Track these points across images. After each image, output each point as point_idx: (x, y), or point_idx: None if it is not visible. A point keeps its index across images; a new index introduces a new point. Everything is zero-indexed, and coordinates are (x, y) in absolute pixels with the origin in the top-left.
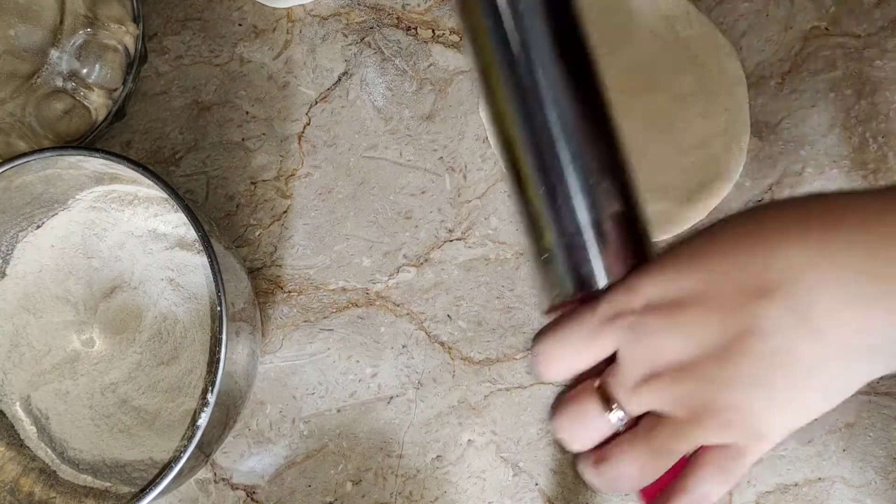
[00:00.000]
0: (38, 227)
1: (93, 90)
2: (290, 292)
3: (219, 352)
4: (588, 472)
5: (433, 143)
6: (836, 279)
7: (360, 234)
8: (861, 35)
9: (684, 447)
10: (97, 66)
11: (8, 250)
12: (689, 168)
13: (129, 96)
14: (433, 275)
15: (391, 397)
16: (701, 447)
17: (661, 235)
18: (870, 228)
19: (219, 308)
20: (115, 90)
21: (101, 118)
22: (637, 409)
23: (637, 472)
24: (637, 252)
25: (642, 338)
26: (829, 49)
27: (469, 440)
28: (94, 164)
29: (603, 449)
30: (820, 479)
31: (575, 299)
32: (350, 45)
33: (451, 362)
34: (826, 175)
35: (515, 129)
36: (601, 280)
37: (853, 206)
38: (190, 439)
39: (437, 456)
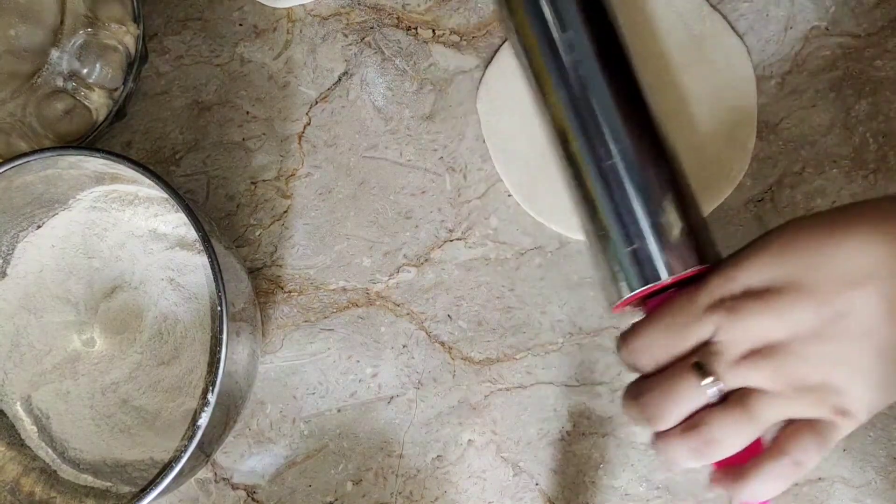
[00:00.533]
0: (39, 227)
1: (93, 90)
2: (290, 292)
3: (219, 352)
4: (676, 442)
5: (433, 143)
6: None
7: (361, 233)
8: (861, 35)
9: (776, 415)
10: (98, 65)
11: (8, 250)
12: (693, 166)
13: (129, 96)
14: (433, 275)
15: (391, 397)
16: (789, 422)
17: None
18: None
19: (219, 308)
20: (116, 90)
21: (101, 118)
22: (735, 381)
23: (729, 436)
24: (696, 249)
25: (741, 320)
26: (830, 49)
27: (469, 440)
28: (95, 164)
29: (694, 417)
30: (820, 479)
31: (640, 294)
32: (350, 45)
33: (452, 362)
34: (826, 175)
35: (583, 158)
36: (664, 274)
37: None
38: (190, 439)
39: (438, 456)
